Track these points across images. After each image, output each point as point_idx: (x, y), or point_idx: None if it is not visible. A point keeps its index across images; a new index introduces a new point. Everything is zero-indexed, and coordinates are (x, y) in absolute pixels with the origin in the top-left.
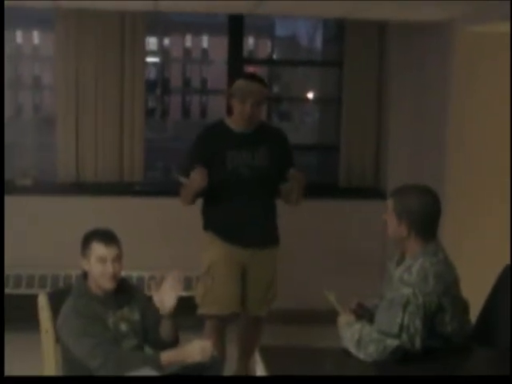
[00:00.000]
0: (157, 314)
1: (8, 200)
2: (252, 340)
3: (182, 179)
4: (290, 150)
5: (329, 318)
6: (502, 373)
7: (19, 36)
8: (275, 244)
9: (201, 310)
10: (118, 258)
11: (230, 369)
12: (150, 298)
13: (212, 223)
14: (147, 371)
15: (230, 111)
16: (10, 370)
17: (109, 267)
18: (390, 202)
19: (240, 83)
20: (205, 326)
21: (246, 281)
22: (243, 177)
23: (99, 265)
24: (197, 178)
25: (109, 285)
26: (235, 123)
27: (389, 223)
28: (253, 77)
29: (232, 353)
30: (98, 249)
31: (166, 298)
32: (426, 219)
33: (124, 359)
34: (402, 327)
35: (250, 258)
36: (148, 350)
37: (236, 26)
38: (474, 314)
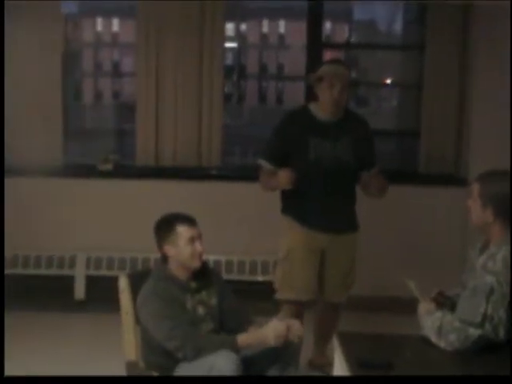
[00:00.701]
0: (234, 301)
1: (90, 184)
2: (329, 326)
3: (263, 163)
4: (372, 139)
5: (408, 306)
6: None
7: (99, 24)
8: (354, 230)
9: (278, 295)
10: (201, 237)
11: (306, 354)
12: (227, 284)
13: (291, 208)
14: (225, 353)
15: (312, 97)
16: (90, 351)
17: (198, 246)
18: (475, 187)
19: (327, 68)
20: (281, 310)
21: (325, 266)
22: (324, 167)
23: (189, 246)
24: (283, 180)
25: (198, 263)
26: (322, 110)
27: (473, 209)
28: (338, 61)
29: (308, 338)
30: (186, 231)
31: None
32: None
33: (202, 341)
34: (485, 316)
35: (328, 243)
36: (225, 335)
37: (315, 11)
38: None
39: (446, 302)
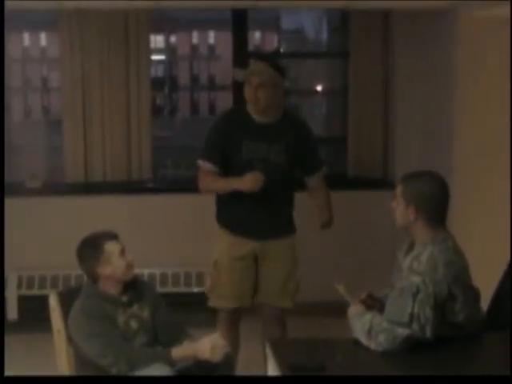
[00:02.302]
0: (167, 313)
1: (18, 202)
2: (275, 335)
3: (202, 163)
4: (312, 142)
5: (338, 309)
6: None
7: (26, 38)
8: (289, 234)
9: (210, 303)
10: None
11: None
12: (160, 296)
13: (222, 215)
14: (159, 367)
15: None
16: (25, 370)
17: (128, 257)
18: (398, 188)
19: (248, 69)
20: (218, 318)
21: (261, 272)
22: (256, 170)
23: (121, 259)
24: (249, 183)
25: (131, 274)
26: (252, 110)
27: (396, 208)
28: (260, 57)
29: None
30: (114, 246)
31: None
32: (433, 204)
33: (135, 356)
34: (412, 316)
35: (261, 249)
36: (158, 348)
37: (239, 21)
38: (485, 302)
39: (375, 304)
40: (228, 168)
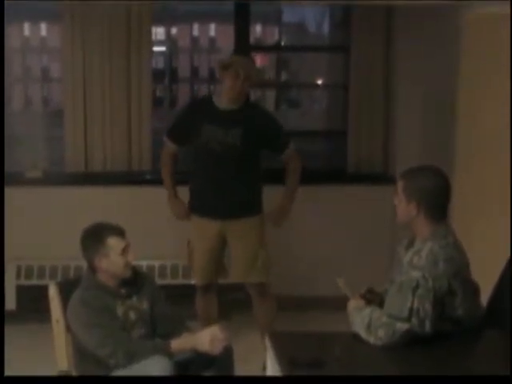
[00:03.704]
0: (166, 305)
1: (18, 192)
2: (264, 315)
3: (166, 141)
4: (274, 125)
5: (338, 303)
6: None
7: (27, 29)
8: (253, 214)
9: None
10: (130, 247)
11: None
12: (159, 288)
13: (191, 200)
14: (157, 359)
15: None
16: (22, 362)
17: (130, 257)
18: (399, 184)
19: (234, 57)
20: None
21: (230, 251)
22: (214, 152)
23: (121, 258)
24: (176, 213)
25: (129, 273)
26: (221, 98)
27: (398, 205)
28: (245, 54)
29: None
30: (117, 243)
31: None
32: (435, 198)
33: (133, 347)
34: (411, 311)
35: (226, 229)
36: (157, 340)
37: (242, 14)
38: (485, 298)
39: (375, 299)
40: (190, 151)
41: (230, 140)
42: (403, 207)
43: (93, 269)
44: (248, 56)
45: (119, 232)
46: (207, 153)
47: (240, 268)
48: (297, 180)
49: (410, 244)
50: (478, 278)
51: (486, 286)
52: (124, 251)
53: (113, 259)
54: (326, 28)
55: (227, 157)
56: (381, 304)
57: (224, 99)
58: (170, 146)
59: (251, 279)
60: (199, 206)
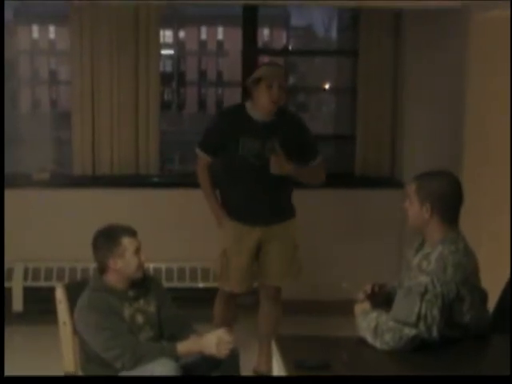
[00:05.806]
0: (173, 308)
1: (26, 194)
2: (271, 323)
3: (200, 153)
4: (306, 135)
5: (346, 308)
6: None
7: (35, 31)
8: (287, 218)
9: (218, 284)
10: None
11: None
12: (166, 291)
13: (225, 205)
14: (164, 362)
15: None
16: (29, 364)
17: (142, 257)
18: (412, 186)
19: (265, 69)
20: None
21: (264, 256)
22: (251, 166)
23: (135, 258)
24: (222, 223)
25: (141, 274)
26: (257, 110)
27: (409, 208)
28: (274, 63)
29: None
30: (131, 243)
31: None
32: (449, 202)
33: (140, 350)
34: (419, 316)
35: (265, 235)
36: (164, 343)
37: (250, 17)
38: (492, 304)
39: (381, 300)
40: (226, 163)
41: (267, 153)
42: (415, 210)
43: (103, 270)
44: (277, 65)
45: (132, 232)
46: (244, 165)
47: (277, 271)
48: (313, 178)
49: (420, 247)
50: (487, 279)
51: (496, 288)
52: (137, 252)
53: (128, 259)
54: (334, 32)
55: (264, 169)
56: (387, 303)
57: (259, 111)
58: (204, 158)
59: (287, 281)
60: (238, 215)
